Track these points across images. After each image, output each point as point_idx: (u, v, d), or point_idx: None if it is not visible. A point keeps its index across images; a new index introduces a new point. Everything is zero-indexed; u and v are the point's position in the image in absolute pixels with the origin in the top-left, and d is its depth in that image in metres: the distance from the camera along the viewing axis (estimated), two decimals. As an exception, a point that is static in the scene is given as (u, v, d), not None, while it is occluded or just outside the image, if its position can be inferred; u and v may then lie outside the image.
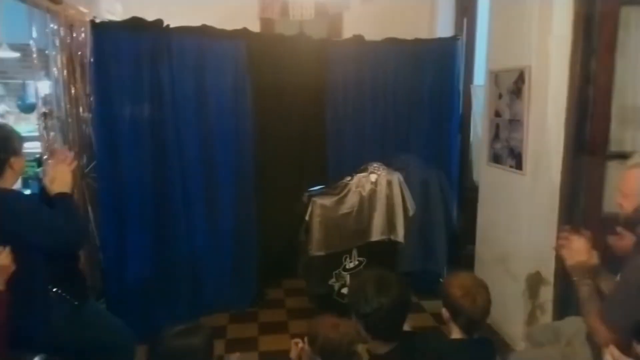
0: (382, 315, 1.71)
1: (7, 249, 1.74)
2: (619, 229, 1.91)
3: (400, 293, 1.73)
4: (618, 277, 1.70)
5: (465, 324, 1.75)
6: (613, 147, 2.55)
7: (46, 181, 2.07)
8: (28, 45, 2.94)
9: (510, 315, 2.89)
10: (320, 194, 3.33)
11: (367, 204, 3.29)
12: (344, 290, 3.34)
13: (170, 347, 1.55)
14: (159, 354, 1.58)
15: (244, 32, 3.42)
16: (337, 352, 1.82)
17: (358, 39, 3.73)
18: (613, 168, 2.50)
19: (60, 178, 2.05)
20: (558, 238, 1.91)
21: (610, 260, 1.86)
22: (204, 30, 3.25)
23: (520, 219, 2.87)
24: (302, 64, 3.63)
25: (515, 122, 2.82)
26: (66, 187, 2.05)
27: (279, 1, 4.04)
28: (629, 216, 1.71)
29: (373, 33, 3.75)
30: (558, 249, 1.87)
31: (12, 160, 1.94)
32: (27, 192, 3.92)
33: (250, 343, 3.17)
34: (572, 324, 2.07)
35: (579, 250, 1.80)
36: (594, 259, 1.80)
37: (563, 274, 2.58)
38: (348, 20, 4.16)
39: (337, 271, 3.34)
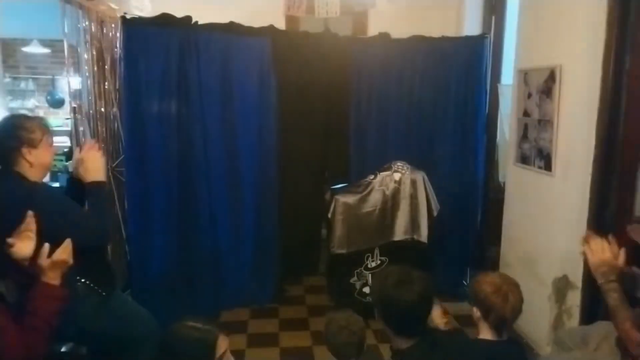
0: (404, 310, 1.69)
1: (67, 243, 1.69)
2: None
3: (423, 289, 1.72)
4: None
5: (497, 322, 1.73)
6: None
7: (80, 171, 2.06)
8: (57, 41, 3.00)
9: (535, 319, 2.84)
10: (343, 191, 3.33)
11: (390, 202, 3.28)
12: (366, 289, 3.33)
13: (178, 337, 1.55)
14: (166, 342, 1.59)
15: (270, 29, 3.44)
16: (344, 352, 1.89)
17: (383, 36, 3.70)
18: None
19: (93, 165, 2.06)
20: (582, 239, 1.88)
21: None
22: (231, 27, 3.28)
23: (548, 221, 2.81)
24: (327, 61, 3.62)
25: (545, 122, 2.76)
26: (100, 174, 2.07)
27: (304, -2, 4.04)
28: None
29: (399, 31, 3.71)
30: (582, 248, 1.85)
31: (25, 150, 1.88)
32: (56, 184, 4.03)
33: (271, 339, 3.18)
34: (601, 329, 2.02)
35: (602, 248, 1.77)
36: (619, 260, 1.76)
37: (590, 278, 2.53)
38: (374, 17, 4.13)
39: (358, 270, 3.33)
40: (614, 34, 2.43)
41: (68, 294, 1.71)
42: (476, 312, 1.77)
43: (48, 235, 1.72)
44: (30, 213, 1.66)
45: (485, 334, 1.76)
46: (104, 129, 3.14)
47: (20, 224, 1.66)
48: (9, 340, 1.53)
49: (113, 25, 3.13)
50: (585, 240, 1.84)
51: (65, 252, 1.68)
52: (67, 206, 1.94)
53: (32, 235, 1.66)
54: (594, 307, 2.58)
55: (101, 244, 2.18)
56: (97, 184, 2.06)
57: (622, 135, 2.48)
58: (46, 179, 3.76)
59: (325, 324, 2.01)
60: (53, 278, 1.66)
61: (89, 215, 1.98)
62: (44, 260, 1.63)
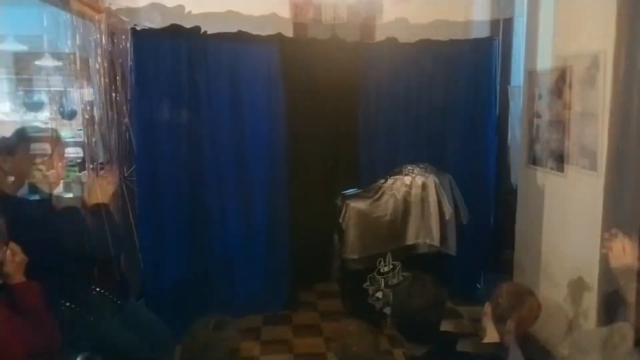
0: (417, 317, 1.69)
1: (12, 245, 1.68)
2: None
3: (435, 295, 1.71)
4: None
5: (498, 319, 1.73)
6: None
7: (84, 194, 2.14)
8: (68, 53, 3.06)
9: (551, 321, 2.81)
10: (354, 196, 3.33)
11: (401, 207, 3.26)
12: (379, 294, 3.32)
13: (204, 339, 1.59)
14: (192, 347, 1.60)
15: (278, 37, 3.45)
16: None
17: (391, 41, 3.70)
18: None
19: (99, 191, 2.12)
20: (602, 239, 1.86)
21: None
22: (239, 36, 3.31)
23: (561, 222, 2.78)
24: (335, 67, 3.62)
25: (556, 123, 2.74)
26: (104, 199, 2.12)
27: (311, 5, 4.07)
28: None
29: (407, 35, 3.72)
30: (603, 249, 1.83)
31: (38, 162, 1.91)
32: (69, 195, 4.06)
33: (284, 345, 3.18)
34: (619, 330, 1.99)
35: (624, 252, 1.74)
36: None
37: (608, 278, 2.50)
38: (381, 22, 4.14)
39: (371, 275, 3.32)
40: (624, 32, 2.42)
41: (41, 287, 1.74)
42: (487, 307, 1.78)
43: (53, 246, 1.79)
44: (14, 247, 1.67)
45: (491, 330, 1.76)
46: (115, 139, 3.18)
47: (25, 235, 1.70)
48: (21, 334, 1.60)
49: (123, 37, 3.18)
50: (607, 241, 1.82)
51: (16, 252, 1.69)
52: (75, 220, 1.98)
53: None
54: (610, 309, 2.55)
55: (108, 258, 2.20)
56: (98, 207, 2.08)
57: (634, 134, 2.45)
58: (59, 189, 3.84)
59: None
60: (19, 277, 1.71)
61: (95, 231, 2.01)
62: (9, 267, 1.67)
